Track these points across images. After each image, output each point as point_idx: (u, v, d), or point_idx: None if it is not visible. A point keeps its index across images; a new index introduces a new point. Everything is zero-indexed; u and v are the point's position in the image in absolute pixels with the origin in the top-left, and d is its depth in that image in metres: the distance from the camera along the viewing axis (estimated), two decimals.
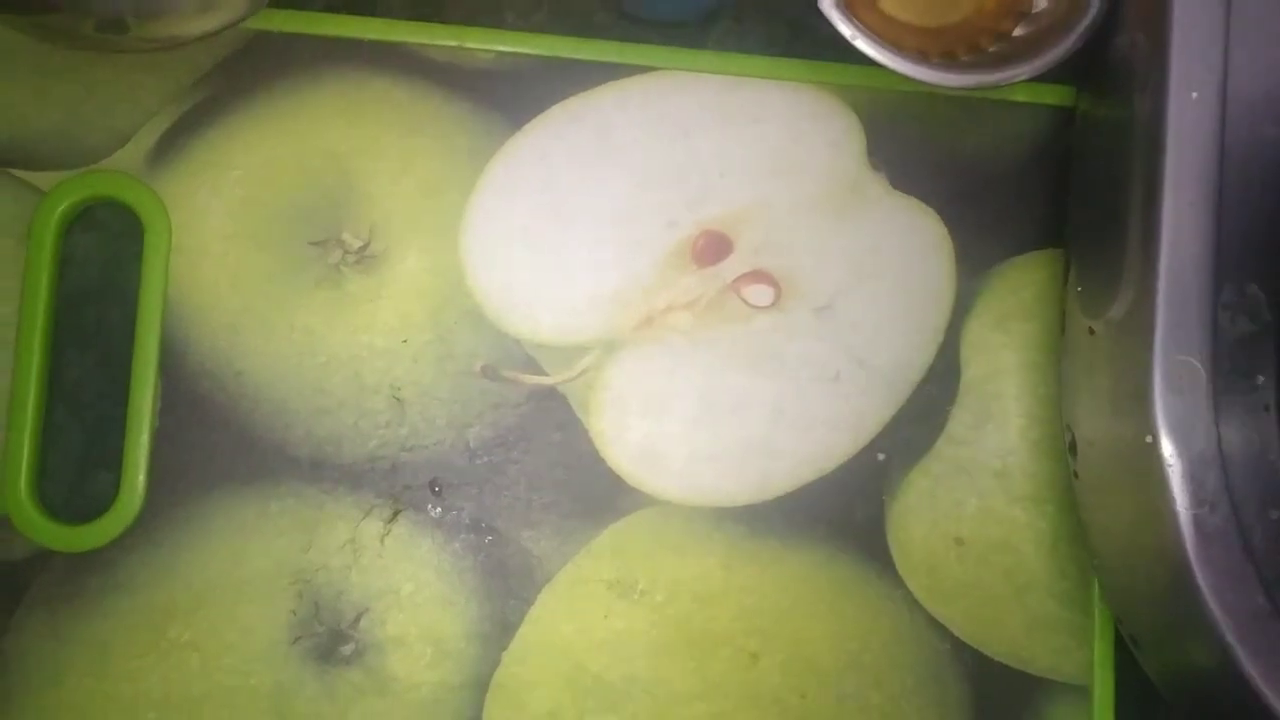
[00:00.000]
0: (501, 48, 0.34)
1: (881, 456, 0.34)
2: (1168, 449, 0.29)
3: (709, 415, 0.33)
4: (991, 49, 0.34)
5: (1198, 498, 0.29)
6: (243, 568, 0.31)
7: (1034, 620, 0.34)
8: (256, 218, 0.32)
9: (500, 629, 0.32)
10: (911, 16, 0.35)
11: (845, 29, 0.34)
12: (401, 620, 0.32)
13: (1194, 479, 0.29)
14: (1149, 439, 0.29)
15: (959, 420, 0.34)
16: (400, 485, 0.32)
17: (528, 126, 0.34)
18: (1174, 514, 0.29)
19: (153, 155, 0.32)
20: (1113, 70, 0.32)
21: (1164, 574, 0.29)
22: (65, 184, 0.32)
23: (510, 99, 0.34)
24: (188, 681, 0.31)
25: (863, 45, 0.33)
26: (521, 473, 0.33)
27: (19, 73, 0.32)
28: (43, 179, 0.32)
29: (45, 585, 0.31)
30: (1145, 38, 0.31)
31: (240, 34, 0.33)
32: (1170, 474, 0.29)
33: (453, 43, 0.33)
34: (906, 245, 0.34)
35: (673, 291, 0.34)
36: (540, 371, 0.33)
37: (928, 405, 0.34)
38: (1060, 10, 0.33)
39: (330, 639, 0.32)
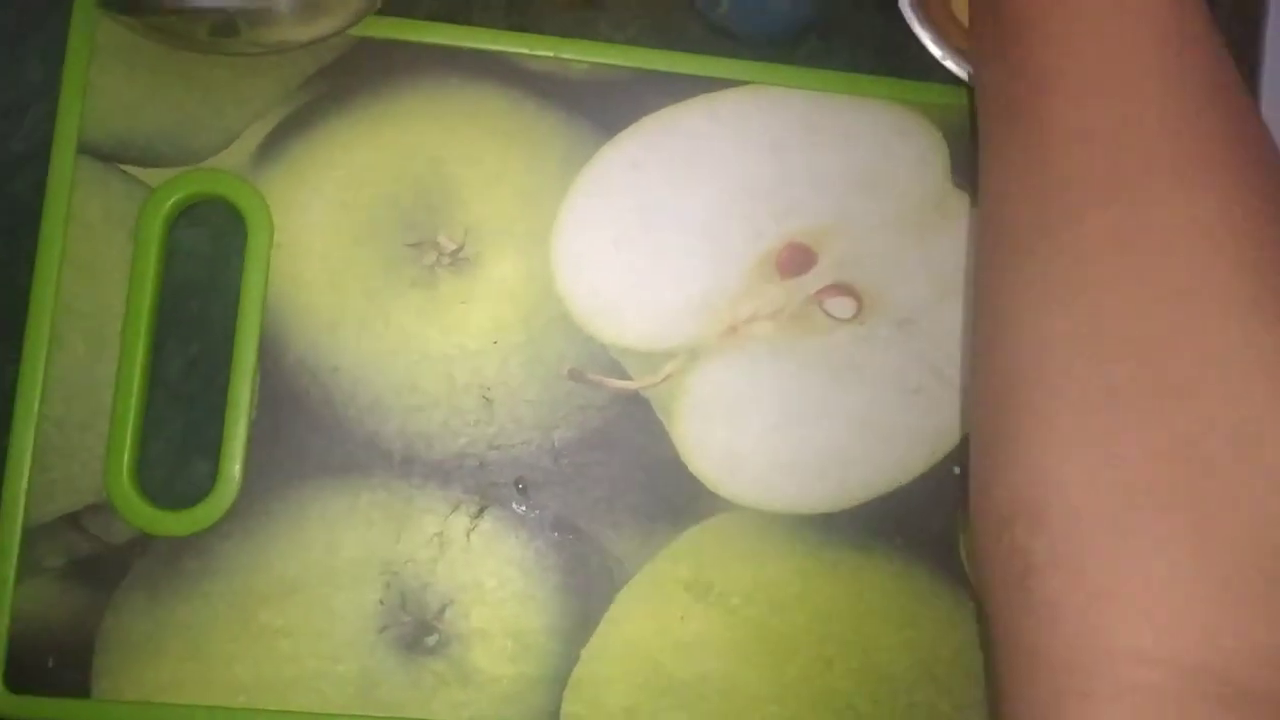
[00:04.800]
0: (596, 59, 0.34)
1: (957, 470, 0.34)
2: None
3: (789, 424, 0.34)
4: None
5: None
6: (333, 557, 0.32)
7: None
8: (356, 218, 0.33)
9: (580, 626, 0.33)
10: None
11: (935, 50, 0.34)
12: (485, 614, 0.33)
13: None
14: None
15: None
16: (487, 482, 0.33)
17: (619, 137, 0.34)
18: None
19: (257, 155, 0.33)
20: None
21: None
22: (173, 181, 0.33)
23: (603, 109, 0.34)
24: (278, 666, 0.32)
25: (952, 66, 0.34)
26: (604, 474, 0.33)
27: (134, 73, 0.33)
28: (152, 175, 0.33)
29: (144, 568, 0.32)
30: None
31: (345, 40, 0.34)
32: None
33: (549, 53, 0.34)
34: None
35: (757, 301, 0.34)
36: (625, 376, 0.34)
37: None
38: None
39: (416, 629, 0.32)
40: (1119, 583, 0.24)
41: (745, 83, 0.35)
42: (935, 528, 0.34)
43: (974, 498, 0.28)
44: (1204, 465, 0.24)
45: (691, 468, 0.34)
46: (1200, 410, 0.25)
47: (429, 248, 0.34)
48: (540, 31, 0.35)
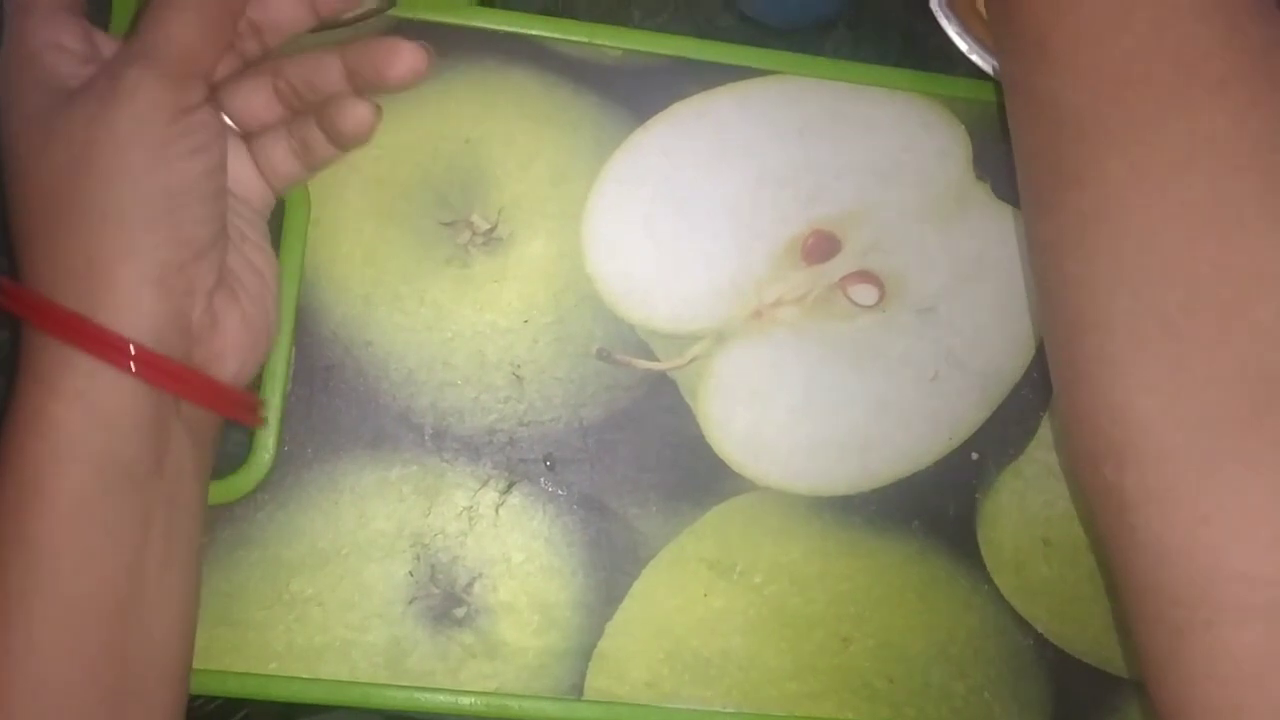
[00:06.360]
0: (629, 45, 0.35)
1: (975, 456, 0.35)
2: None
3: (811, 407, 0.35)
4: None
5: None
6: (365, 529, 0.33)
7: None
8: (391, 196, 0.34)
9: (605, 601, 0.33)
10: None
11: (961, 43, 0.35)
12: (512, 587, 0.33)
13: None
14: None
15: (1051, 425, 0.35)
16: (516, 458, 0.34)
17: (651, 122, 0.35)
18: None
19: None
20: None
21: None
22: None
23: (635, 95, 0.35)
24: (309, 634, 0.32)
25: (977, 59, 0.35)
26: (631, 452, 0.34)
27: None
28: None
29: None
30: None
31: (385, 21, 0.34)
32: None
33: (583, 38, 0.35)
34: (1007, 253, 0.36)
35: (782, 286, 0.35)
36: (653, 357, 0.34)
37: (1022, 409, 0.35)
38: None
39: (444, 601, 0.33)
40: (1216, 508, 0.24)
41: (774, 72, 0.35)
42: (953, 512, 0.35)
43: (1064, 438, 0.28)
44: (1275, 377, 0.24)
45: (716, 448, 0.34)
46: (1259, 324, 0.24)
47: (463, 227, 0.34)
48: (575, 17, 0.35)
